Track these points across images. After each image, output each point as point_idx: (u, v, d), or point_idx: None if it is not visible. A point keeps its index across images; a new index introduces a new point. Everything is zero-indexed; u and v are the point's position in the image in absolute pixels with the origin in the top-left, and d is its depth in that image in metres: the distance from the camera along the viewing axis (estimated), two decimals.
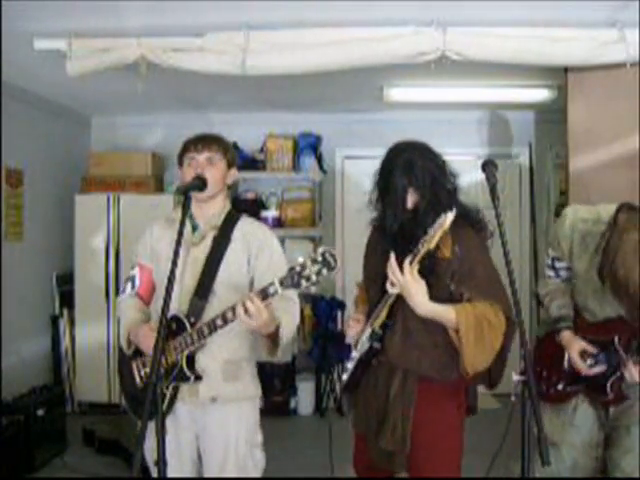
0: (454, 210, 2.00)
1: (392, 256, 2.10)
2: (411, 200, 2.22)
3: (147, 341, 2.29)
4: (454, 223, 2.15)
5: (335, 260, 2.01)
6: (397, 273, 2.07)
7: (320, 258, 1.99)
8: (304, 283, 2.00)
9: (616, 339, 2.22)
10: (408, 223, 2.20)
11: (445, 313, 2.09)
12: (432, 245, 2.02)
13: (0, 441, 3.76)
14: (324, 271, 1.99)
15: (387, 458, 2.27)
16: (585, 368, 2.26)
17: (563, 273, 2.42)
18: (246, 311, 2.08)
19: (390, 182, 2.23)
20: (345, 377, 2.36)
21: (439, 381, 2.20)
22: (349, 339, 2.36)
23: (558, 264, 2.42)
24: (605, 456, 2.38)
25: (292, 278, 2.01)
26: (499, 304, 2.12)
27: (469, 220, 2.24)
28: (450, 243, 2.16)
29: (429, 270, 2.12)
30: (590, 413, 2.36)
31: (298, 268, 2.01)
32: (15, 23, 3.31)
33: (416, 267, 2.06)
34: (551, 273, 2.46)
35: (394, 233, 2.23)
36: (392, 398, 2.23)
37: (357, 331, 2.33)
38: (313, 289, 2.06)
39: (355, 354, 2.32)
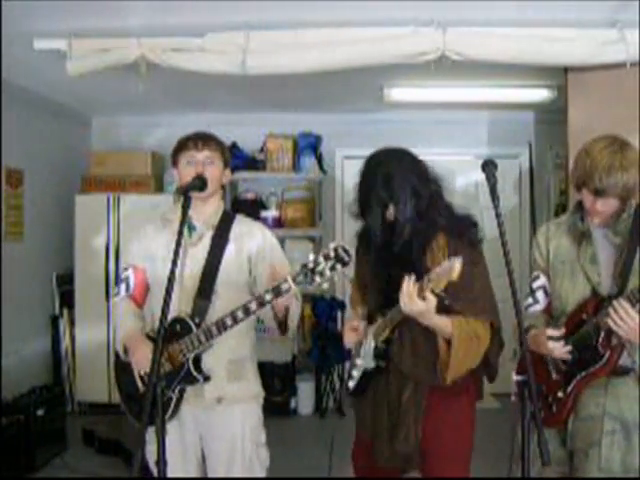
0: (460, 258, 1.90)
1: (406, 282, 1.99)
2: (391, 213, 2.21)
3: (138, 354, 2.28)
4: (449, 234, 2.16)
5: (349, 255, 1.97)
6: (415, 300, 1.98)
7: (333, 254, 1.96)
8: (318, 279, 1.97)
9: (584, 316, 2.21)
10: (391, 234, 2.20)
11: (443, 324, 2.10)
12: (438, 289, 1.95)
13: (0, 441, 3.76)
14: (338, 266, 1.96)
15: (400, 458, 2.28)
16: (559, 348, 2.19)
17: (540, 296, 2.39)
18: (279, 294, 2.06)
19: (370, 197, 2.22)
20: (352, 384, 2.35)
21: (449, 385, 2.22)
22: (348, 345, 2.35)
23: (536, 283, 2.39)
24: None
25: (305, 275, 1.99)
26: (488, 317, 2.15)
27: (462, 231, 2.23)
28: (446, 255, 2.14)
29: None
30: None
31: (311, 264, 1.98)
32: (15, 23, 3.31)
33: (429, 292, 1.97)
34: (529, 300, 2.42)
35: (379, 244, 2.23)
36: (404, 403, 2.24)
37: (356, 339, 2.31)
38: (326, 286, 2.01)
39: (360, 362, 2.31)
